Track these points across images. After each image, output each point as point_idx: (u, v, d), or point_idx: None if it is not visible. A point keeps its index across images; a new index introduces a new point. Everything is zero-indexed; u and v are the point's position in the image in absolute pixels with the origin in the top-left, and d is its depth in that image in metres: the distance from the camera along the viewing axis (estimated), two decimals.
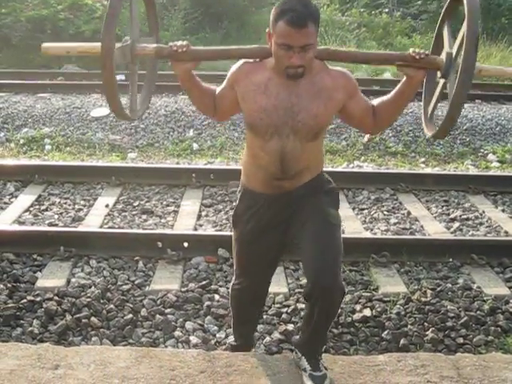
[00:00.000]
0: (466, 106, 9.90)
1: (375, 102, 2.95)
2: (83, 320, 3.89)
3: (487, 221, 5.75)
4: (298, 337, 3.28)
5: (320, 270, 2.80)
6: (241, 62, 2.93)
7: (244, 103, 2.87)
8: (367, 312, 4.10)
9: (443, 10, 3.22)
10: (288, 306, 4.14)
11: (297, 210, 2.99)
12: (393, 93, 2.91)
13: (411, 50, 2.83)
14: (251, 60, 2.92)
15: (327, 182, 3.10)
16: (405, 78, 2.85)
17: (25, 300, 4.07)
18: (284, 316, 4.03)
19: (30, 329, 3.79)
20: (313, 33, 2.62)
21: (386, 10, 19.34)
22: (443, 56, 2.96)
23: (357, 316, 4.05)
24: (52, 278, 4.38)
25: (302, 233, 2.96)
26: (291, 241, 3.07)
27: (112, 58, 2.82)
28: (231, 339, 3.62)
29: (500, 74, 2.94)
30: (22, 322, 3.89)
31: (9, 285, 4.23)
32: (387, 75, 12.16)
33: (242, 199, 3.12)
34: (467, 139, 8.61)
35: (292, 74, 2.70)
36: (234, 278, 3.36)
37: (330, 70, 2.89)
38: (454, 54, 2.95)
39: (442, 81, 3.07)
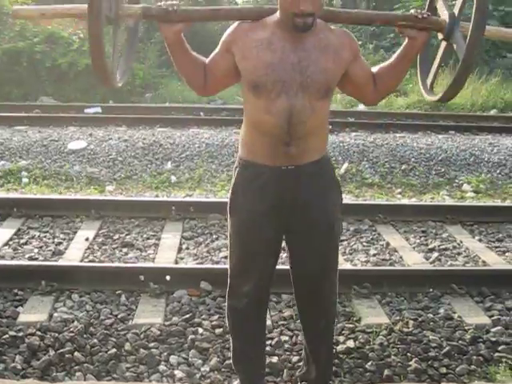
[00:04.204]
0: (440, 136, 10.07)
1: (375, 68, 2.93)
2: (66, 355, 3.85)
3: (465, 251, 5.81)
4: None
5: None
6: (237, 22, 2.81)
7: (245, 62, 2.74)
8: (350, 343, 4.11)
9: None
10: (272, 339, 4.14)
11: (305, 200, 2.87)
12: (394, 57, 2.89)
13: (413, 10, 2.81)
14: (248, 20, 2.80)
15: (333, 171, 3.03)
16: (407, 41, 2.83)
17: (7, 335, 4.01)
18: (268, 348, 4.01)
19: (12, 364, 3.74)
20: None
21: (360, 42, 19.60)
22: (445, 17, 2.89)
23: (340, 347, 4.06)
24: (34, 313, 4.33)
25: (304, 240, 2.97)
26: (290, 231, 3.00)
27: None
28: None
29: (501, 35, 3.01)
30: (4, 357, 3.84)
31: None
32: (361, 107, 12.33)
33: (240, 174, 2.93)
34: (442, 170, 8.72)
35: (300, 25, 2.60)
36: (228, 288, 3.21)
37: (333, 29, 2.85)
38: (456, 13, 2.89)
39: (443, 44, 3.03)
